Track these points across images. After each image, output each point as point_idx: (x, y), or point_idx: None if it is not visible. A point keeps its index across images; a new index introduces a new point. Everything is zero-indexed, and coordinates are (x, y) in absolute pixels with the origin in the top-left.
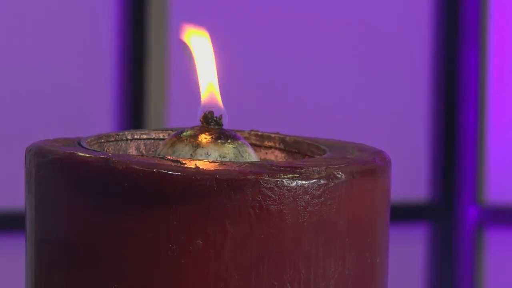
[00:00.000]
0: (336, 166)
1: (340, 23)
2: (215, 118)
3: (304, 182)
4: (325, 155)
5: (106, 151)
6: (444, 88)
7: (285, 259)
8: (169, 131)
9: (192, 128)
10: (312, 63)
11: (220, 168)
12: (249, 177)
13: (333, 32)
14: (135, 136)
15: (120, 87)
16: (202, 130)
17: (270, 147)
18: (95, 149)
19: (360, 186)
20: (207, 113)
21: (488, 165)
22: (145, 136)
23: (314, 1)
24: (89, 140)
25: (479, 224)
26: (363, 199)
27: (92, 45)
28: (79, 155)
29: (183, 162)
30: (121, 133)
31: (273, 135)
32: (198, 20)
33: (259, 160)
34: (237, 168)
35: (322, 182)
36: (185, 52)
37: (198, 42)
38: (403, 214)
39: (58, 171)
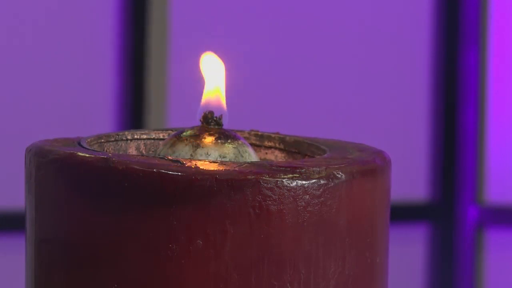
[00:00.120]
0: (336, 166)
1: (340, 23)
2: (215, 118)
3: (304, 182)
4: (325, 155)
5: (106, 151)
6: (444, 88)
7: (285, 259)
8: (169, 131)
9: (192, 128)
10: (312, 63)
11: (220, 168)
12: (249, 177)
13: (333, 32)
14: (135, 136)
15: (120, 87)
16: (202, 130)
17: (270, 147)
18: (95, 149)
19: (360, 186)
20: (207, 113)
21: (488, 165)
22: (145, 136)
23: (314, 1)
24: (89, 140)
25: (479, 224)
26: (363, 199)
27: (92, 45)
28: (79, 155)
29: (183, 162)
30: (121, 133)
31: (273, 135)
32: (197, 20)
33: (259, 160)
34: (237, 168)
35: (322, 182)
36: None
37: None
38: (403, 214)
39: (58, 171)
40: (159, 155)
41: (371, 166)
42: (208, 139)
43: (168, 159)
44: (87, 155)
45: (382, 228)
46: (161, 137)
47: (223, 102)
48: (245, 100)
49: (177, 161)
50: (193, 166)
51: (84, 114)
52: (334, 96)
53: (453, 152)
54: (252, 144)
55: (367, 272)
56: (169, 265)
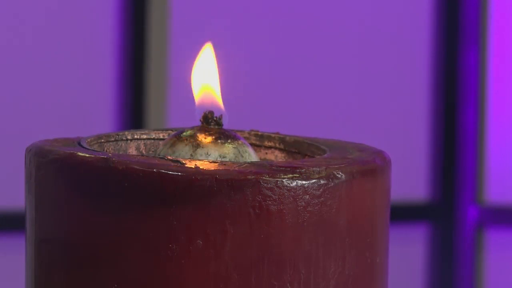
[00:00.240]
0: (336, 166)
1: (340, 23)
2: (215, 118)
3: (304, 182)
4: (325, 155)
5: (106, 151)
6: (444, 88)
7: (285, 259)
8: (169, 131)
9: (192, 128)
10: (312, 63)
11: (220, 168)
12: (249, 177)
13: (333, 32)
14: (135, 136)
15: (120, 87)
16: (202, 130)
17: (270, 147)
18: (95, 149)
19: (360, 186)
20: (207, 113)
21: (488, 165)
22: (145, 136)
23: (314, 1)
24: (89, 140)
25: (479, 224)
26: (363, 199)
27: (92, 45)
28: (79, 155)
29: (183, 162)
30: (121, 133)
31: (273, 135)
32: (197, 20)
33: (259, 160)
34: (237, 168)
35: (322, 182)
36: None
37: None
38: (403, 214)
39: (58, 171)
40: (159, 155)
41: (371, 166)
42: (208, 139)
43: (168, 159)
44: (87, 155)
45: (382, 228)
46: (161, 137)
47: (219, 101)
48: (245, 100)
49: (177, 161)
50: (193, 166)
51: (84, 114)
52: (334, 96)
53: (453, 152)
54: (252, 144)
55: (367, 272)
56: (169, 265)
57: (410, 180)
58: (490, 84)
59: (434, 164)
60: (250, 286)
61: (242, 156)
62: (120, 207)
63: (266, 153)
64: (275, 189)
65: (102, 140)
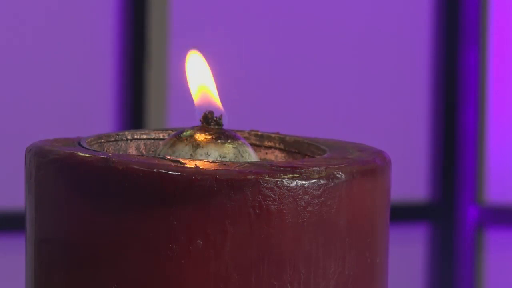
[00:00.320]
0: (336, 166)
1: (340, 23)
2: (215, 118)
3: (304, 182)
4: (325, 155)
5: (106, 151)
6: (444, 88)
7: (285, 259)
8: (169, 131)
9: (192, 128)
10: (312, 63)
11: (220, 168)
12: (249, 177)
13: (333, 32)
14: (135, 136)
15: (120, 87)
16: (202, 130)
17: (270, 147)
18: (95, 149)
19: (360, 186)
20: (207, 113)
21: (488, 165)
22: (145, 136)
23: (314, 1)
24: (89, 140)
25: (479, 224)
26: (363, 199)
27: (92, 45)
28: (79, 155)
29: (183, 162)
30: (121, 133)
31: (273, 135)
32: (197, 20)
33: (259, 160)
34: (237, 168)
35: (322, 182)
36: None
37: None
38: (403, 214)
39: (58, 171)
40: (159, 155)
41: (371, 166)
42: (208, 139)
43: (168, 159)
44: (87, 155)
45: (382, 228)
46: (161, 137)
47: (217, 101)
48: (246, 100)
49: (177, 161)
50: (193, 166)
51: (84, 114)
52: (334, 96)
53: (453, 152)
54: (252, 144)
55: (367, 272)
56: (169, 265)
57: (410, 180)
58: (490, 84)
59: (434, 164)
60: (250, 286)
61: (242, 156)
62: (120, 207)
63: (266, 153)
64: (275, 189)
65: (102, 140)
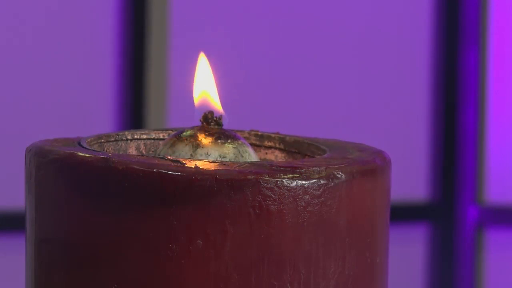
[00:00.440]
0: (336, 166)
1: (340, 23)
2: (215, 118)
3: (304, 182)
4: (325, 155)
5: (106, 151)
6: (444, 88)
7: (285, 259)
8: (169, 131)
9: (192, 128)
10: (312, 63)
11: (220, 168)
12: (249, 177)
13: (333, 32)
14: (135, 136)
15: (120, 87)
16: (202, 130)
17: (270, 147)
18: (95, 149)
19: (360, 186)
20: (207, 113)
21: (488, 165)
22: (145, 136)
23: (314, 1)
24: (89, 140)
25: (479, 224)
26: (363, 199)
27: (92, 45)
28: (79, 155)
29: (183, 162)
30: (121, 133)
31: (273, 135)
32: (197, 20)
33: (259, 160)
34: (237, 168)
35: (322, 182)
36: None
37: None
38: (403, 214)
39: (58, 171)
40: (159, 155)
41: (371, 166)
42: (208, 139)
43: (168, 159)
44: (87, 155)
45: (382, 228)
46: (161, 137)
47: (217, 105)
48: (245, 100)
49: (177, 161)
50: (193, 166)
51: (84, 114)
52: (334, 96)
53: (453, 152)
54: (252, 144)
55: (367, 272)
56: (169, 265)
57: (410, 180)
58: (490, 84)
59: (434, 164)
60: (250, 286)
61: (242, 156)
62: (120, 207)
63: (266, 153)
64: (275, 189)
65: (102, 140)
